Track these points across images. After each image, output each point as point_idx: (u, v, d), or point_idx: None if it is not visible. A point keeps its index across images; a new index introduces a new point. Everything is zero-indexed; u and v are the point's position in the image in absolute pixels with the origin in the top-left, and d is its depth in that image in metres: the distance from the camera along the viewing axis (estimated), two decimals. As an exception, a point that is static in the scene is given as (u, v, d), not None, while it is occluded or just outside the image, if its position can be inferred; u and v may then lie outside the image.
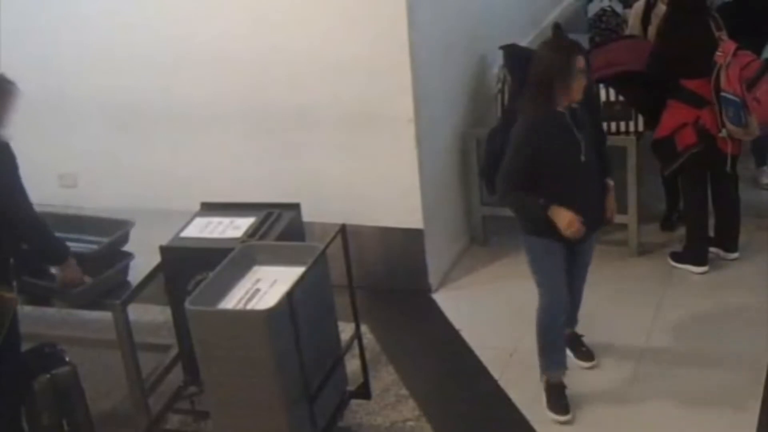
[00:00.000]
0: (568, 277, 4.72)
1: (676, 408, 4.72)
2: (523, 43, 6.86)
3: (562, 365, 4.77)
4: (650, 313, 5.45)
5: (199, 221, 4.69)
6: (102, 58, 5.90)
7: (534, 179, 4.43)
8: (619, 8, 7.26)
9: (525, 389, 4.87)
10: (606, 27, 7.24)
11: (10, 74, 4.25)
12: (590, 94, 4.74)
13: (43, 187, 5.75)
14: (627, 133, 6.02)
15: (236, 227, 4.59)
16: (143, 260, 4.66)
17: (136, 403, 4.62)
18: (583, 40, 7.03)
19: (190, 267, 4.45)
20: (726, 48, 5.45)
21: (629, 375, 4.97)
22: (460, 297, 5.83)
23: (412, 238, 5.76)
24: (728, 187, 5.85)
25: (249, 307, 4.10)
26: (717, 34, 5.53)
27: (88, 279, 4.45)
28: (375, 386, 4.90)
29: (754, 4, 6.26)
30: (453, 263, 6.11)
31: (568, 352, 4.97)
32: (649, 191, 6.25)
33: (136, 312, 4.88)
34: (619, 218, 5.11)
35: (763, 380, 4.82)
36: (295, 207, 4.73)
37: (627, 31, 6.62)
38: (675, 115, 5.62)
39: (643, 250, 6.05)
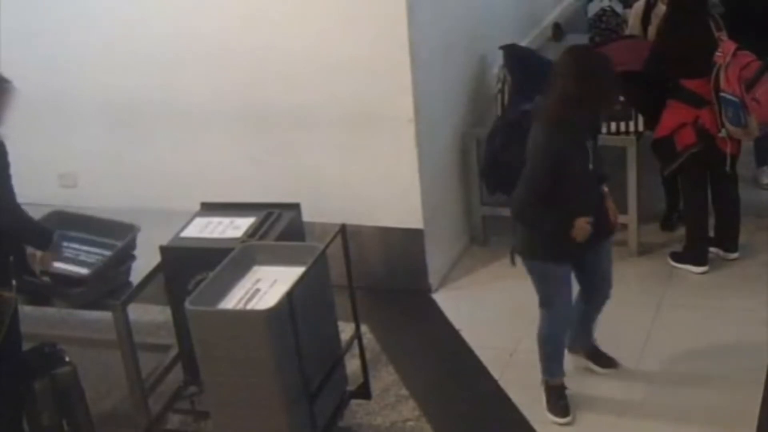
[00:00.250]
0: (589, 292, 4.74)
1: (676, 408, 4.72)
2: (523, 43, 6.87)
3: (560, 372, 4.77)
4: (650, 313, 5.45)
5: (199, 221, 4.69)
6: (101, 58, 5.90)
7: (553, 188, 4.30)
8: (619, 8, 7.24)
9: (525, 389, 4.86)
10: (606, 27, 7.23)
11: (10, 73, 4.23)
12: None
13: (43, 187, 5.80)
14: (627, 133, 6.02)
15: (236, 227, 4.58)
16: (143, 260, 4.66)
17: (136, 403, 4.61)
18: (583, 40, 7.04)
19: (190, 267, 4.45)
20: (726, 48, 5.46)
21: (629, 375, 4.96)
22: (460, 297, 5.82)
23: (412, 238, 5.75)
24: (728, 187, 5.85)
25: (249, 307, 4.10)
26: (717, 34, 5.54)
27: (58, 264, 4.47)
28: (375, 386, 4.90)
29: (754, 5, 6.26)
30: (453, 263, 6.11)
31: (592, 365, 4.96)
32: (649, 191, 6.24)
33: (136, 312, 4.87)
34: (619, 218, 5.10)
35: (763, 380, 4.82)
36: (295, 207, 4.73)
37: (627, 31, 6.60)
38: (675, 115, 5.62)
39: (643, 250, 6.04)
